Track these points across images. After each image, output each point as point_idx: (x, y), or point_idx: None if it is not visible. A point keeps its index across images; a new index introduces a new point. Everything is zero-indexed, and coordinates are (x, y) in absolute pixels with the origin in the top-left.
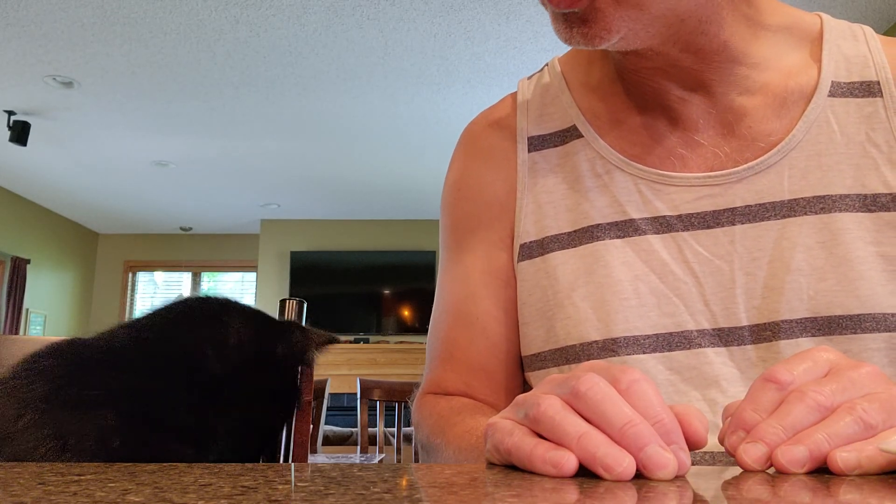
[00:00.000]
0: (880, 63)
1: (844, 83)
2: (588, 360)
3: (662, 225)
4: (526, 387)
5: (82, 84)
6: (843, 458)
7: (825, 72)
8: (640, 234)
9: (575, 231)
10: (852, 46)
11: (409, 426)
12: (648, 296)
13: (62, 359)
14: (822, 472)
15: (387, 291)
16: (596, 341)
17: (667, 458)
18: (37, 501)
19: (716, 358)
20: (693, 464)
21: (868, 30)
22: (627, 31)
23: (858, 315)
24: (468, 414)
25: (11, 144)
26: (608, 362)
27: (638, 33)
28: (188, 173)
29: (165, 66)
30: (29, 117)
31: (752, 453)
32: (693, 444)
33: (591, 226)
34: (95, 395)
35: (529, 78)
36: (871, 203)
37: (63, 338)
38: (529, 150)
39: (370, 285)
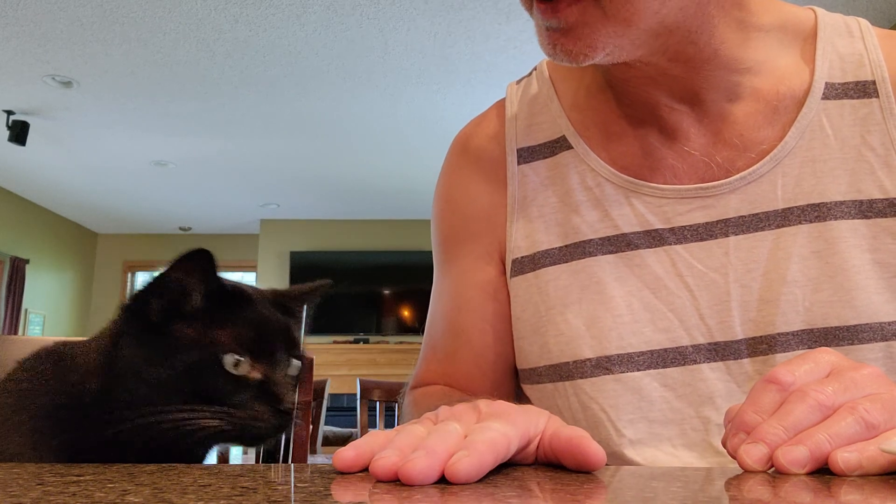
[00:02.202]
0: (876, 61)
1: (839, 84)
2: (582, 377)
3: (655, 238)
4: (519, 395)
5: (82, 84)
6: (845, 458)
7: (818, 73)
8: (632, 249)
9: (566, 246)
10: (847, 44)
11: None
12: (642, 312)
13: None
14: (824, 472)
15: (387, 291)
16: (589, 359)
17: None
18: (36, 502)
19: (711, 374)
20: (688, 476)
21: (864, 24)
22: (613, 48)
23: (855, 325)
24: (437, 398)
25: (10, 144)
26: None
27: (624, 48)
28: (188, 173)
29: (165, 65)
30: (28, 117)
31: (753, 454)
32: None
33: (583, 241)
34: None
35: (518, 83)
36: (867, 209)
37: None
38: (519, 163)
39: (370, 285)
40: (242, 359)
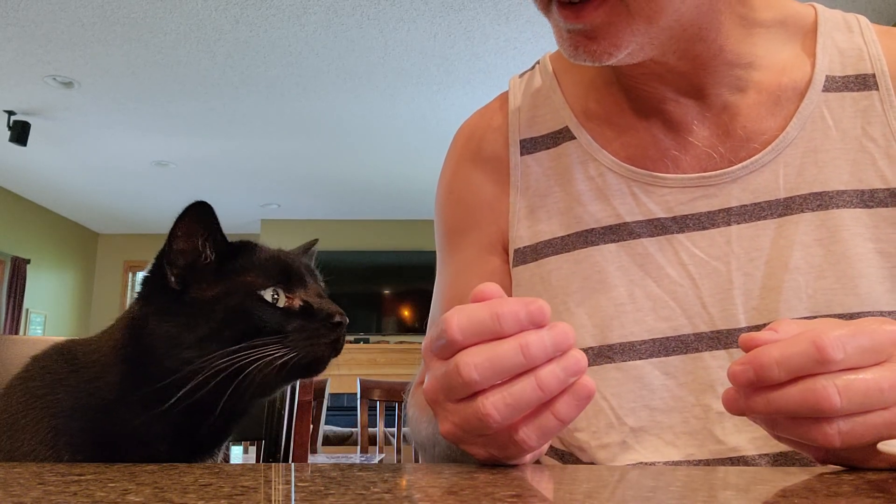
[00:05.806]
0: (875, 55)
1: (839, 77)
2: None
3: (657, 227)
4: None
5: (82, 84)
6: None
7: (819, 66)
8: (634, 238)
9: (569, 235)
10: (847, 38)
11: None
12: (644, 300)
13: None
14: (826, 471)
15: (387, 291)
16: (591, 347)
17: None
18: (37, 501)
19: (713, 362)
20: (683, 469)
21: (863, 20)
22: (634, 48)
23: (858, 313)
24: None
25: (11, 144)
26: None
27: (643, 48)
28: (188, 173)
29: (165, 66)
30: (29, 117)
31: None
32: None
33: (585, 230)
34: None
35: (521, 76)
36: (868, 199)
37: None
38: (521, 154)
39: (370, 285)
40: (278, 291)
